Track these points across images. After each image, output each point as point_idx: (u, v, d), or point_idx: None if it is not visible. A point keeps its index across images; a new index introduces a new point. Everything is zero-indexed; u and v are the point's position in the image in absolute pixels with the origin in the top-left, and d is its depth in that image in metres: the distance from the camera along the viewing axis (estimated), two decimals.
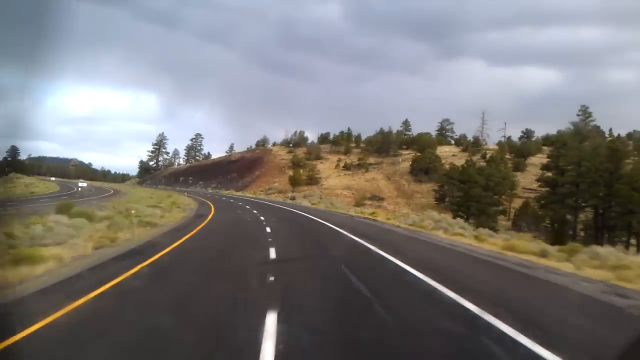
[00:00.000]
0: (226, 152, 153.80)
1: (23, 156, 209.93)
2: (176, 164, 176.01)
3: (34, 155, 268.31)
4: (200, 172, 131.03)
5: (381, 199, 79.96)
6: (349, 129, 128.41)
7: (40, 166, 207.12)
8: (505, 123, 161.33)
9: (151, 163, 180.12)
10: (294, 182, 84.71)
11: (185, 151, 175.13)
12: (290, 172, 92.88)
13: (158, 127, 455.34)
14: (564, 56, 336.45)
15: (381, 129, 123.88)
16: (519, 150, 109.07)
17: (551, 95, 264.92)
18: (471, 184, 58.15)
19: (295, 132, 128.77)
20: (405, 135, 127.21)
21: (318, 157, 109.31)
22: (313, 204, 49.38)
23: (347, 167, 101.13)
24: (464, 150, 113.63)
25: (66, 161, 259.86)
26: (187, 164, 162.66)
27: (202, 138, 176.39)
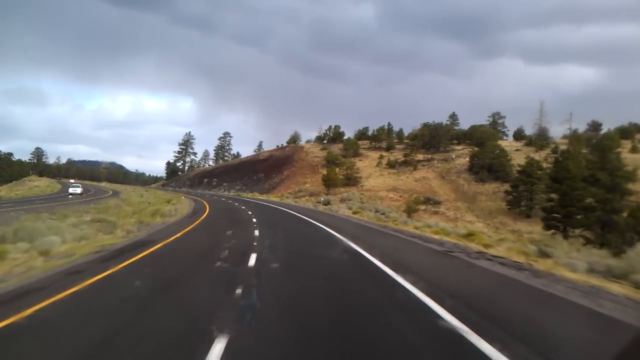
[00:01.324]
0: (254, 150, 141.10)
1: (56, 159, 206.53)
2: (206, 165, 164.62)
3: (77, 159, 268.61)
4: (226, 173, 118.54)
5: (437, 203, 64.14)
6: (389, 124, 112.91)
7: (69, 169, 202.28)
8: (571, 114, 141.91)
9: (178, 164, 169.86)
10: (329, 182, 70.03)
11: (214, 152, 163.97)
12: (324, 171, 78.33)
13: (194, 130, 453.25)
14: (604, 53, 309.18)
15: (427, 122, 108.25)
16: (597, 144, 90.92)
17: (591, 93, 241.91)
18: (571, 182, 41.73)
19: (330, 127, 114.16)
20: (454, 129, 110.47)
21: (356, 154, 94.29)
22: (355, 212, 34.48)
23: (391, 165, 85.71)
24: (527, 145, 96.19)
25: (100, 165, 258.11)
26: (213, 165, 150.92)
27: (230, 137, 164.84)
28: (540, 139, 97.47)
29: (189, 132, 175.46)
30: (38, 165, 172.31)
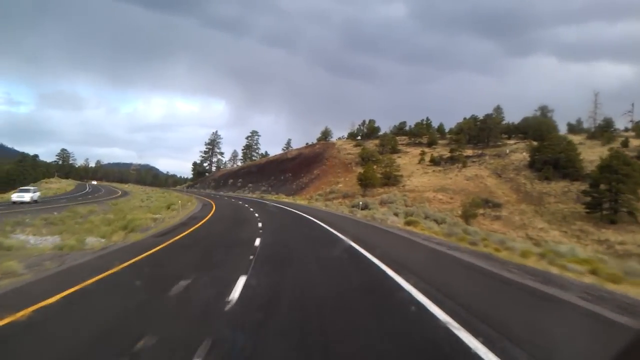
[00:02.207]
0: (282, 149, 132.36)
1: (84, 161, 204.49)
2: (235, 166, 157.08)
3: (112, 161, 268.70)
4: (251, 173, 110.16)
5: (496, 206, 53.18)
6: (427, 119, 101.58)
7: (97, 171, 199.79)
8: (632, 104, 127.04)
9: (205, 165, 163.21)
10: (365, 182, 59.99)
11: (242, 152, 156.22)
12: (359, 170, 68.45)
13: (226, 132, 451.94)
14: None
15: (472, 115, 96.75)
16: None
17: (627, 90, 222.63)
18: None
19: (364, 121, 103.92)
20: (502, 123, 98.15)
21: (394, 151, 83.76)
22: (409, 223, 24.34)
23: (435, 162, 74.94)
24: (591, 138, 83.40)
25: (131, 166, 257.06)
26: (238, 166, 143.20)
27: (258, 136, 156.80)
28: (604, 132, 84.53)
29: (216, 132, 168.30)
30: (64, 167, 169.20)
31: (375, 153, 78.01)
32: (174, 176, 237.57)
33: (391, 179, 64.71)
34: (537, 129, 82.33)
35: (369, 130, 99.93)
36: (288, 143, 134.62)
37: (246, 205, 40.83)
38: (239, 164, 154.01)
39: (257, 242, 14.18)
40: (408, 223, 24.33)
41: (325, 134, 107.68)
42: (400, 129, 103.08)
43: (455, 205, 52.51)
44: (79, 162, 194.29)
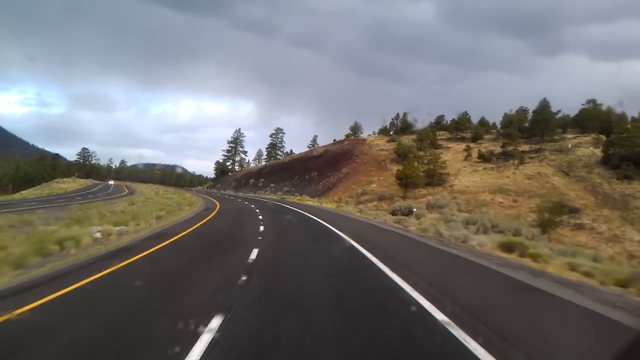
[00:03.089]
0: (308, 146, 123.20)
1: (108, 161, 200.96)
2: (258, 164, 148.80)
3: (142, 162, 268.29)
4: (274, 172, 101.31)
5: (574, 211, 42.29)
6: (465, 112, 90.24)
7: (120, 171, 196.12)
8: None
9: (227, 164, 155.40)
10: (406, 181, 49.77)
11: (266, 150, 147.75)
12: (395, 167, 58.52)
13: (254, 133, 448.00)
14: None
15: (521, 107, 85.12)
16: None
17: None
18: None
19: (397, 115, 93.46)
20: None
21: (434, 146, 73.20)
22: (507, 248, 14.30)
23: (484, 158, 64.21)
24: None
25: (155, 167, 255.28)
26: (261, 164, 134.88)
27: (283, 133, 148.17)
28: None
29: (239, 129, 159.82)
30: (85, 167, 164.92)
31: (414, 148, 67.69)
32: (199, 176, 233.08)
33: (435, 178, 54.44)
34: (605, 121, 70.57)
35: (403, 125, 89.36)
36: (314, 140, 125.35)
37: (257, 211, 31.50)
38: (263, 163, 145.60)
39: (216, 322, 4.94)
40: (507, 248, 14.44)
41: (355, 130, 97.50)
42: (437, 123, 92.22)
43: (521, 211, 41.99)
44: (103, 162, 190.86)
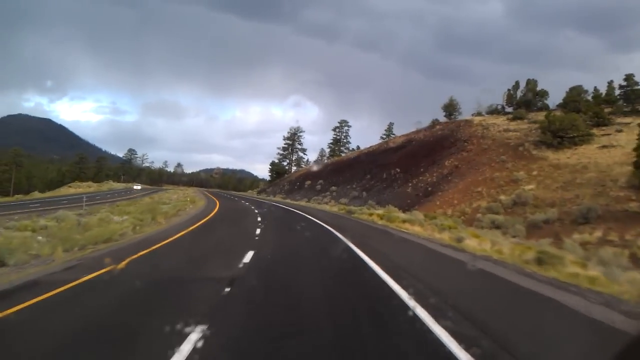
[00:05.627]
0: (381, 137, 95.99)
1: (162, 164, 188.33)
2: (319, 160, 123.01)
3: (210, 167, 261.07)
4: (337, 171, 75.29)
5: None
6: (611, 82, 58.63)
7: (173, 174, 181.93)
8: None
9: (284, 164, 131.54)
10: None
11: (329, 148, 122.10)
12: (547, 154, 30.72)
13: (321, 137, 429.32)
14: None
15: None
16: None
17: None
18: None
19: (517, 83, 63.54)
20: None
21: (600, 123, 43.50)
22: None
23: None
24: None
25: (213, 171, 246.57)
26: (323, 163, 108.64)
27: (348, 126, 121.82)
28: None
29: (298, 126, 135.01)
30: (131, 170, 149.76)
31: (579, 122, 38.58)
32: (263, 180, 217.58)
33: None
34: None
35: (530, 96, 59.40)
36: (389, 129, 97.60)
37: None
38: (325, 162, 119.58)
39: None
40: None
41: (450, 109, 68.58)
42: (578, 94, 61.31)
43: None
44: (170, 168, 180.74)
